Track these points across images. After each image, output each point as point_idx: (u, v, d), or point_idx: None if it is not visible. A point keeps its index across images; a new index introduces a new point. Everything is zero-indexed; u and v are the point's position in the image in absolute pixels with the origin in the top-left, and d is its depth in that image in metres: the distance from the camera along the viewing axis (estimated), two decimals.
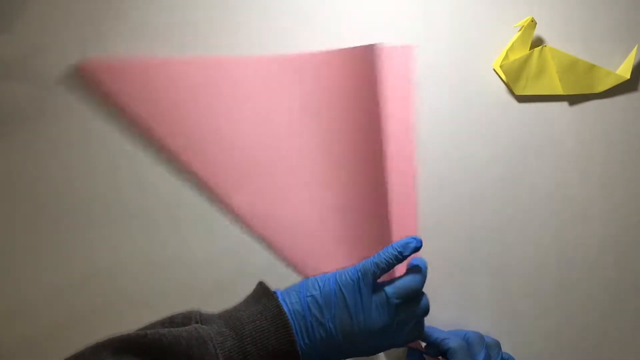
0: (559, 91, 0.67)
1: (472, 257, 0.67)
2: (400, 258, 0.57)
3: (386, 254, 0.57)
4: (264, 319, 0.54)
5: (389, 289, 0.56)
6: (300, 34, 0.66)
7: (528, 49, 0.67)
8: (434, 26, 0.68)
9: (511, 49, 0.66)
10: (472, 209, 0.67)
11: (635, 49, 0.68)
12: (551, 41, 0.68)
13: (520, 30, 0.67)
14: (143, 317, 0.54)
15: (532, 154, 0.68)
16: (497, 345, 0.63)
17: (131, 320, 0.54)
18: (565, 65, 0.67)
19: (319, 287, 0.56)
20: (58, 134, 0.65)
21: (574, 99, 0.68)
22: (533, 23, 0.66)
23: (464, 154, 0.67)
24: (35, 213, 0.65)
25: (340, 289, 0.56)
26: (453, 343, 0.61)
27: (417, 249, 0.58)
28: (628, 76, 0.67)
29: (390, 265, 0.57)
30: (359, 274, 0.56)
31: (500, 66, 0.66)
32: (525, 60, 0.67)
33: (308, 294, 0.56)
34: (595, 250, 0.68)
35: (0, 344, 0.63)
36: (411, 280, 0.58)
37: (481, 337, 0.62)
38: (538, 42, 0.68)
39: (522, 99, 0.68)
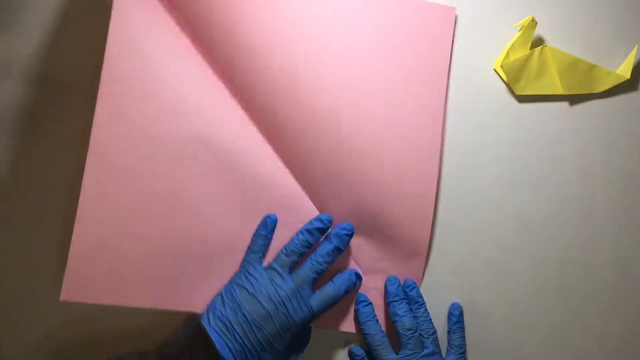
0: (559, 91, 0.67)
1: (472, 257, 0.67)
2: (310, 244, 0.62)
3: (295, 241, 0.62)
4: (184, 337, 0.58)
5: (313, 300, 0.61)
6: None
7: (529, 48, 0.67)
8: None
9: (512, 48, 0.66)
10: (472, 208, 0.67)
11: (635, 49, 0.68)
12: (551, 41, 0.68)
13: (520, 30, 0.67)
14: None
15: (532, 154, 0.68)
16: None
17: None
18: (566, 65, 0.67)
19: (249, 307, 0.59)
20: (59, 134, 0.65)
21: (574, 99, 0.68)
22: (533, 23, 0.66)
23: (464, 154, 0.67)
24: (36, 213, 0.65)
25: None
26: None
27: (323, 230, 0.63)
28: (628, 76, 0.67)
29: (302, 252, 0.62)
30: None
31: (501, 66, 0.66)
32: (526, 60, 0.66)
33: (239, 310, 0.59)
34: (595, 250, 0.68)
35: None
36: (333, 290, 0.62)
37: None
38: (538, 42, 0.68)
39: (522, 98, 0.68)
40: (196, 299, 0.62)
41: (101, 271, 0.60)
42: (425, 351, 0.63)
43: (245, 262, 0.62)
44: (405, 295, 0.65)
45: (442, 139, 0.67)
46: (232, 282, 0.61)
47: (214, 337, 0.57)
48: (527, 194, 0.68)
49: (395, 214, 0.65)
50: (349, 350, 0.65)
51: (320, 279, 0.62)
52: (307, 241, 0.62)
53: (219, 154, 0.62)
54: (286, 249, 0.62)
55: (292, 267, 0.62)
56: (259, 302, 0.59)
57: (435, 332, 0.64)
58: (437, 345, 0.64)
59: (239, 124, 0.63)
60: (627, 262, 0.68)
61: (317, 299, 0.61)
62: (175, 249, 0.61)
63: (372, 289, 0.66)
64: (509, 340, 0.67)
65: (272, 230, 0.63)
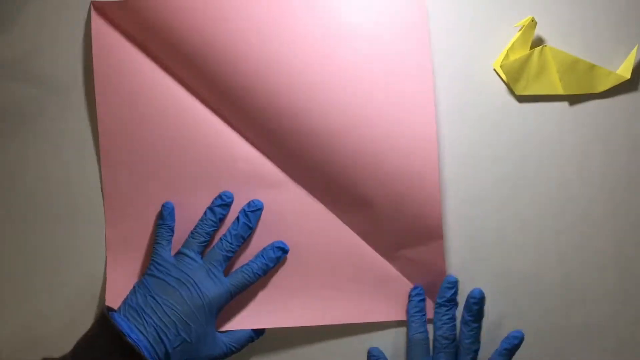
0: (559, 91, 0.67)
1: (472, 257, 0.67)
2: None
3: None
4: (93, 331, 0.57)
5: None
6: None
7: (528, 48, 0.67)
8: (434, 26, 0.68)
9: (511, 48, 0.66)
10: (472, 209, 0.67)
11: (635, 49, 0.68)
12: (551, 41, 0.68)
13: (520, 29, 0.67)
14: None
15: (532, 154, 0.68)
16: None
17: None
18: (566, 65, 0.67)
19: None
20: (58, 134, 0.65)
21: (574, 99, 0.68)
22: (533, 23, 0.66)
23: (464, 154, 0.67)
24: (35, 213, 0.65)
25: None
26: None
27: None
28: (628, 76, 0.67)
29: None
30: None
31: (501, 66, 0.66)
32: (526, 60, 0.66)
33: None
34: (595, 250, 0.68)
35: None
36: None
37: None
38: (538, 42, 0.68)
39: (522, 99, 0.68)
40: None
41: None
42: None
43: (152, 255, 0.62)
44: (456, 302, 0.64)
45: (435, 118, 0.66)
46: (143, 275, 0.62)
47: (123, 324, 0.57)
48: (527, 194, 0.68)
49: (401, 200, 0.65)
50: (368, 350, 0.65)
51: (233, 255, 0.63)
52: (211, 220, 0.63)
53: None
54: (192, 232, 0.63)
55: (204, 249, 0.63)
56: (168, 284, 0.60)
57: (478, 349, 0.62)
58: None
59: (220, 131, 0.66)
60: (628, 261, 0.68)
61: (233, 275, 0.62)
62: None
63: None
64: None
65: (170, 218, 0.63)
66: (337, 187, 0.65)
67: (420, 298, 0.65)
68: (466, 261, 0.67)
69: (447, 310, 0.63)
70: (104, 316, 0.57)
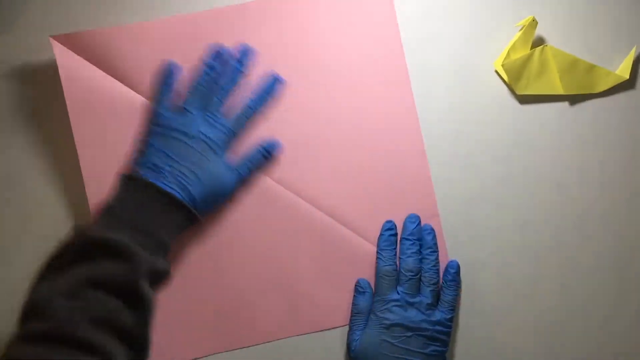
0: (560, 91, 0.67)
1: (472, 257, 0.67)
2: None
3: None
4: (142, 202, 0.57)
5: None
6: None
7: (529, 48, 0.67)
8: (434, 25, 0.68)
9: (512, 48, 0.66)
10: (472, 208, 0.67)
11: (634, 49, 0.68)
12: (552, 41, 0.68)
13: (521, 29, 0.67)
14: None
15: (532, 154, 0.68)
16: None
17: None
18: (566, 65, 0.67)
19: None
20: (58, 134, 0.64)
21: (574, 99, 0.68)
22: (534, 22, 0.66)
23: (464, 154, 0.67)
24: (35, 213, 0.64)
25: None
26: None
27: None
28: (627, 76, 0.68)
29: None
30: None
31: (502, 65, 0.66)
32: (527, 59, 0.66)
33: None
34: (595, 250, 0.68)
35: None
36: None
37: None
38: (539, 42, 0.68)
39: (523, 98, 0.68)
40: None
41: None
42: (420, 298, 0.63)
43: (152, 115, 0.62)
44: (420, 238, 0.65)
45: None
46: (146, 134, 0.62)
47: (150, 178, 0.58)
48: (527, 194, 0.68)
49: (390, 169, 0.67)
50: (356, 281, 0.65)
51: (227, 97, 0.64)
52: (208, 75, 0.63)
53: None
54: (190, 87, 0.63)
55: (204, 104, 0.63)
56: (174, 138, 0.60)
57: (437, 282, 0.64)
58: (435, 297, 0.63)
59: None
60: (627, 262, 0.68)
61: (233, 118, 0.64)
62: None
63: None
64: (509, 340, 0.67)
65: (169, 76, 0.63)
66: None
67: (391, 233, 0.66)
68: (466, 261, 0.67)
69: (412, 244, 0.64)
70: (130, 176, 0.58)
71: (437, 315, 0.63)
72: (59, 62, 0.63)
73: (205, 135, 0.61)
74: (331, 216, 0.66)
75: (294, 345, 0.65)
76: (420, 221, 0.66)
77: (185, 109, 0.62)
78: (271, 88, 0.66)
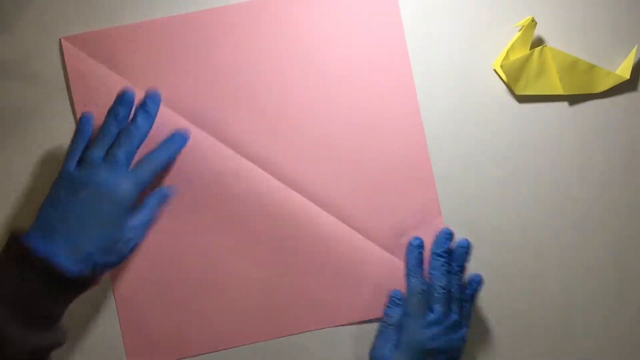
0: (559, 91, 0.67)
1: (472, 257, 0.67)
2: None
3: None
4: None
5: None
6: None
7: (528, 48, 0.67)
8: (434, 26, 0.68)
9: (512, 48, 0.66)
10: (472, 208, 0.67)
11: (634, 49, 0.68)
12: (551, 41, 0.68)
13: (520, 30, 0.67)
14: None
15: (532, 154, 0.68)
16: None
17: None
18: (566, 65, 0.67)
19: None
20: (58, 133, 0.65)
21: (574, 99, 0.68)
22: (533, 23, 0.66)
23: (464, 154, 0.67)
24: (35, 212, 0.65)
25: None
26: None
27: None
28: (628, 76, 0.67)
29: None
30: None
31: (501, 66, 0.66)
32: (526, 60, 0.66)
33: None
34: (595, 250, 0.68)
35: None
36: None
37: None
38: (538, 42, 0.68)
39: (522, 99, 0.68)
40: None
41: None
42: (453, 317, 0.62)
43: (60, 170, 0.60)
44: (451, 253, 0.65)
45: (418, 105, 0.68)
46: (50, 191, 0.60)
47: (36, 243, 0.56)
48: (527, 194, 0.68)
49: (397, 186, 0.67)
50: (391, 291, 0.65)
51: (134, 150, 0.61)
52: (111, 123, 0.60)
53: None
54: (96, 137, 0.60)
55: (109, 154, 0.60)
56: (76, 193, 0.58)
57: (462, 297, 0.64)
58: (461, 313, 0.63)
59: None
60: (627, 261, 0.68)
61: (138, 167, 0.61)
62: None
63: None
64: (509, 340, 0.67)
65: (85, 129, 0.61)
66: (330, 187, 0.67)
67: (421, 250, 0.65)
68: None
69: (445, 261, 0.64)
70: (19, 247, 0.55)
71: (462, 332, 0.63)
72: (67, 63, 0.64)
73: (108, 188, 0.58)
74: (335, 215, 0.66)
75: (294, 343, 0.65)
76: (453, 237, 0.65)
77: (89, 161, 0.59)
78: (177, 141, 0.63)
